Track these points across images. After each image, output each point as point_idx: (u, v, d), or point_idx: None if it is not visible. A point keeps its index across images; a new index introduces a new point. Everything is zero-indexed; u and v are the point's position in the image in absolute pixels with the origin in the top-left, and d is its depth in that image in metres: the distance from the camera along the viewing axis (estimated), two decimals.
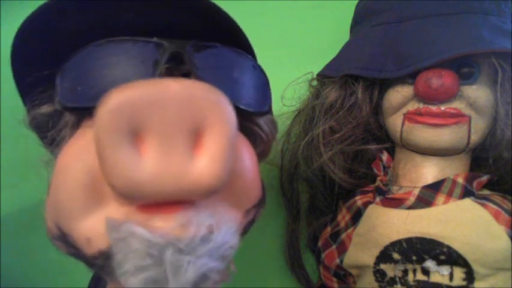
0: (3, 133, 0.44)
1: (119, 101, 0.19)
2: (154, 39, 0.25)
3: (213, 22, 0.27)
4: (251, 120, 0.31)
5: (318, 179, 0.49)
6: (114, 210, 0.22)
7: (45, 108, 0.30)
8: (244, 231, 0.27)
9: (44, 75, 0.28)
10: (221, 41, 0.27)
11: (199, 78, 0.25)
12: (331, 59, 0.46)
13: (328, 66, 0.46)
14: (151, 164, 0.19)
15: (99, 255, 0.22)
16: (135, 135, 0.19)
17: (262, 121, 0.32)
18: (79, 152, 0.23)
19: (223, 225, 0.22)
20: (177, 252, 0.20)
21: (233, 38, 0.29)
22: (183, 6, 0.26)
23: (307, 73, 0.48)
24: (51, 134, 0.29)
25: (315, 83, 0.48)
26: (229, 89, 0.25)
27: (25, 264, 0.46)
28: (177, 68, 0.26)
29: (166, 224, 0.21)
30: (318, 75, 0.47)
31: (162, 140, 0.20)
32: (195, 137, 0.20)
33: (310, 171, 0.47)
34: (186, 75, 0.26)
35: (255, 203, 0.27)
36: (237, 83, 0.27)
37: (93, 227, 0.22)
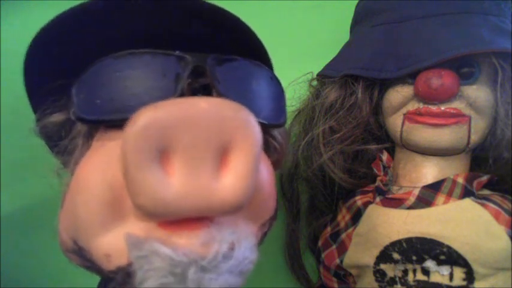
0: (3, 133, 0.44)
1: (148, 121, 0.19)
2: (177, 52, 0.24)
3: (231, 32, 0.27)
4: (267, 131, 0.31)
5: (318, 179, 0.49)
6: (134, 226, 0.22)
7: (56, 117, 0.29)
8: (260, 243, 0.27)
9: (58, 84, 0.28)
10: (238, 51, 0.27)
11: (220, 92, 0.25)
12: (331, 59, 0.46)
13: (328, 66, 0.46)
14: (178, 184, 0.20)
15: (118, 271, 0.22)
16: (162, 154, 0.19)
17: (276, 132, 0.32)
18: (98, 167, 0.22)
19: (243, 241, 0.22)
20: (200, 270, 0.20)
21: (251, 48, 0.28)
22: (199, 18, 0.26)
23: (307, 73, 0.48)
24: (63, 143, 0.29)
25: (315, 83, 0.48)
26: (250, 102, 0.25)
27: (25, 264, 0.46)
28: (196, 80, 0.25)
29: (189, 242, 0.21)
30: (318, 75, 0.47)
31: (189, 159, 0.20)
32: (222, 155, 0.20)
33: (310, 171, 0.47)
34: (206, 87, 0.25)
35: (271, 215, 0.27)
36: (257, 96, 0.27)
37: (112, 243, 0.22)
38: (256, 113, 0.22)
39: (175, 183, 0.20)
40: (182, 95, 0.24)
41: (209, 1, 0.25)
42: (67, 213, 0.24)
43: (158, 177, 0.19)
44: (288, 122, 0.49)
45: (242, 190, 0.20)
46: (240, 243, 0.22)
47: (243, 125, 0.20)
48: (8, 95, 0.44)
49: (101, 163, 0.23)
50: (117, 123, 0.23)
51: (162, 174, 0.19)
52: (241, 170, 0.20)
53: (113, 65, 0.24)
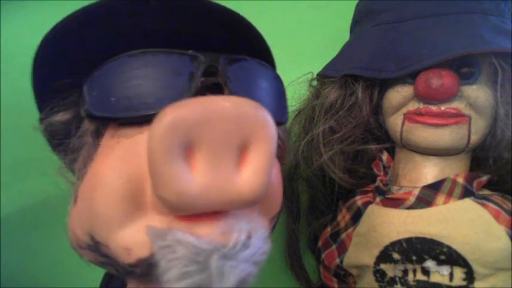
0: (3, 133, 0.44)
1: (174, 117, 0.20)
2: (190, 51, 0.25)
3: (239, 33, 0.28)
4: None
5: (318, 179, 0.49)
6: (154, 219, 0.22)
7: (62, 116, 0.30)
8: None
9: (66, 83, 0.28)
10: (245, 50, 0.28)
11: (232, 90, 0.26)
12: (331, 59, 0.46)
13: (328, 66, 0.46)
14: (200, 178, 0.20)
15: (139, 263, 0.22)
16: (186, 150, 0.20)
17: (279, 129, 0.33)
18: (116, 163, 0.23)
19: (258, 231, 0.23)
20: (222, 258, 0.21)
21: (256, 48, 0.29)
22: (210, 19, 0.26)
23: (307, 73, 0.48)
24: (71, 140, 0.29)
25: (315, 83, 0.48)
26: (258, 101, 0.25)
27: (25, 264, 0.46)
28: (208, 79, 0.26)
29: (210, 231, 0.21)
30: (318, 75, 0.47)
31: (211, 155, 0.21)
32: (241, 151, 0.21)
33: (310, 171, 0.47)
34: (216, 85, 0.26)
35: (278, 209, 0.28)
36: (264, 94, 0.28)
37: (132, 237, 0.22)
38: None
39: (199, 178, 0.20)
40: (195, 93, 0.25)
41: (211, 0, 0.26)
42: (83, 209, 0.24)
43: (183, 172, 0.20)
44: (288, 122, 0.49)
45: (260, 184, 0.21)
46: (256, 232, 0.23)
47: (262, 122, 0.21)
48: (8, 95, 0.44)
49: (119, 159, 0.23)
50: (132, 121, 0.24)
51: (186, 169, 0.20)
52: (259, 165, 0.21)
53: (127, 63, 0.25)
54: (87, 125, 0.28)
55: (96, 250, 0.24)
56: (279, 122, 0.30)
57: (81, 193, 0.25)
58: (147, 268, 0.22)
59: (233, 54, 0.27)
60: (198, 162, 0.21)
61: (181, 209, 0.21)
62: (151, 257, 0.22)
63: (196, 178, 0.20)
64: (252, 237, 0.22)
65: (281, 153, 0.34)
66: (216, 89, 0.26)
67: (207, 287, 0.20)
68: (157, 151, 0.20)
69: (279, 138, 0.32)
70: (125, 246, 0.22)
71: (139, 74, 0.25)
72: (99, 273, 0.36)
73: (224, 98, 0.21)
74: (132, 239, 0.22)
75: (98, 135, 0.27)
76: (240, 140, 0.21)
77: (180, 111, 0.20)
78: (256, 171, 0.21)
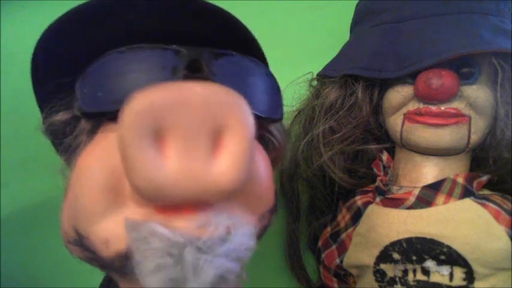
0: (3, 133, 0.44)
1: (144, 102, 0.19)
2: (174, 46, 0.26)
3: (227, 30, 0.28)
4: (263, 127, 0.31)
5: (318, 179, 0.49)
6: (133, 212, 0.22)
7: (62, 115, 0.30)
8: (260, 236, 0.28)
9: (64, 82, 0.29)
10: (235, 48, 0.28)
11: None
12: (331, 59, 0.46)
13: (328, 66, 0.46)
14: (173, 166, 0.20)
15: (117, 256, 0.22)
16: (158, 136, 0.20)
17: (274, 128, 0.33)
18: (99, 155, 0.23)
19: (240, 228, 0.23)
20: (196, 251, 0.20)
21: (247, 46, 0.29)
22: (198, 15, 0.27)
23: (307, 73, 0.48)
24: (67, 140, 0.30)
25: (315, 83, 0.48)
26: (244, 95, 0.25)
27: (25, 264, 0.46)
28: (193, 75, 0.26)
29: (186, 224, 0.21)
30: (318, 75, 0.47)
31: (184, 142, 0.20)
32: (215, 138, 0.21)
33: (310, 171, 0.47)
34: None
35: (268, 208, 0.28)
36: (252, 90, 0.28)
37: (111, 229, 0.22)
38: (250, 105, 0.22)
39: (170, 166, 0.20)
40: None
41: (210, 1, 0.26)
42: (69, 203, 0.24)
43: (152, 158, 0.20)
44: (288, 122, 0.49)
45: (236, 172, 0.21)
46: (236, 228, 0.22)
47: (236, 108, 0.21)
48: (8, 95, 0.44)
49: (102, 151, 0.23)
50: (117, 114, 0.24)
51: (156, 156, 0.20)
52: (235, 153, 0.21)
53: (115, 60, 0.25)
54: (84, 125, 0.28)
55: (81, 245, 0.24)
56: (273, 119, 0.30)
57: (68, 186, 0.25)
58: (125, 262, 0.22)
59: (219, 49, 0.27)
60: (170, 149, 0.20)
61: (154, 197, 0.20)
62: (129, 250, 0.21)
63: (168, 165, 0.20)
64: (232, 233, 0.22)
65: (277, 154, 0.33)
66: None
67: (182, 281, 0.20)
68: (126, 136, 0.19)
69: (275, 137, 0.32)
70: (104, 238, 0.22)
71: (126, 69, 0.25)
72: (99, 273, 0.36)
73: (196, 84, 0.20)
74: (110, 231, 0.22)
75: (93, 134, 0.28)
76: (213, 126, 0.20)
77: (149, 96, 0.20)
78: (232, 158, 0.20)
